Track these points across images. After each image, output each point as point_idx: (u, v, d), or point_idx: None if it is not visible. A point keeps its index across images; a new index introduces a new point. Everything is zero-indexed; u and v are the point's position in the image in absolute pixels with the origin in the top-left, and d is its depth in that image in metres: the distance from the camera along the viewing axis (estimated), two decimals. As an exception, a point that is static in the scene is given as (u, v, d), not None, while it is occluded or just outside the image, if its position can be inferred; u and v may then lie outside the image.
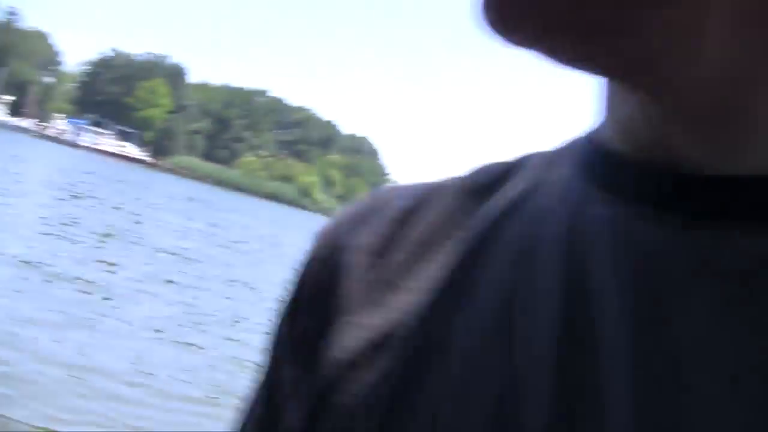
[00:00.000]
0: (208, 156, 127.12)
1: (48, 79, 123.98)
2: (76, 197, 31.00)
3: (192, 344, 11.63)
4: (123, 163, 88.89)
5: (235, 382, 10.17)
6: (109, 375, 9.05)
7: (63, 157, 68.32)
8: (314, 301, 0.66)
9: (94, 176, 49.55)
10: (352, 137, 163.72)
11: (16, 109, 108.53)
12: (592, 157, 0.53)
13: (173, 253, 21.40)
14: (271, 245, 36.82)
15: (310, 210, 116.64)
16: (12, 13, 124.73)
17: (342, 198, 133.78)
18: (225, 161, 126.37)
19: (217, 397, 9.47)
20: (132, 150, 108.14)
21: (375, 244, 0.64)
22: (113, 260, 17.30)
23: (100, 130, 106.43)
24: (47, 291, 12.50)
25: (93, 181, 44.03)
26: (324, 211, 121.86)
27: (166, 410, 8.61)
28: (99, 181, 45.67)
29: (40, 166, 48.57)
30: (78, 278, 14.04)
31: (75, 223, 22.19)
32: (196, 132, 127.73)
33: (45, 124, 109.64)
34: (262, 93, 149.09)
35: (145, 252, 20.04)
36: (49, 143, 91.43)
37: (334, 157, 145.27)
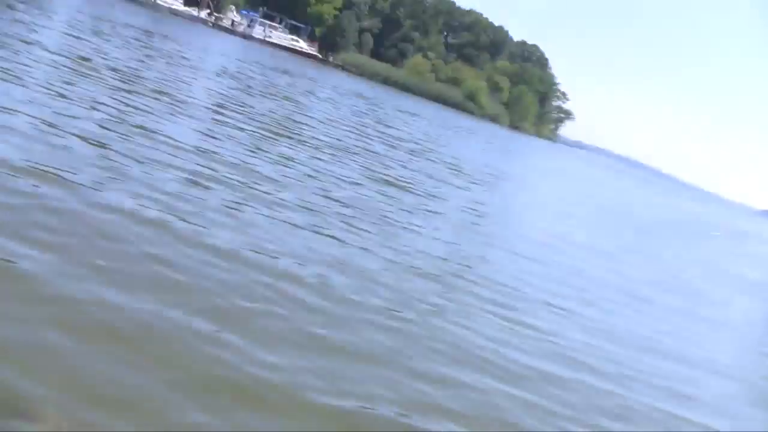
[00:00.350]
0: (376, 54, 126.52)
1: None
2: (249, 88, 30.70)
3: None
4: (294, 57, 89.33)
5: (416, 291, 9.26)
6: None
7: (237, 48, 68.93)
8: None
9: (267, 68, 49.60)
10: (522, 44, 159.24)
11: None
12: None
13: (342, 149, 20.61)
14: (436, 145, 35.60)
15: (475, 115, 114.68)
16: None
17: (508, 105, 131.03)
18: (392, 61, 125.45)
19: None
20: (303, 44, 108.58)
21: None
22: (286, 154, 16.57)
23: (272, 23, 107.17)
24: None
25: (265, 73, 44.03)
26: (489, 117, 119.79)
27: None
28: (271, 73, 45.60)
29: (216, 55, 48.86)
30: (251, 169, 13.29)
31: (250, 114, 21.65)
32: (365, 30, 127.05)
33: (218, 14, 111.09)
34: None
35: (314, 146, 19.24)
36: (223, 34, 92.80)
37: (503, 63, 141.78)
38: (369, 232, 11.55)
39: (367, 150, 22.58)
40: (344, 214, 12.16)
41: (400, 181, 18.53)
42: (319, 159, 17.35)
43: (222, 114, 19.43)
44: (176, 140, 13.20)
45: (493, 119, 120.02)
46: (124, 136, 12.00)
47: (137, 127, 13.25)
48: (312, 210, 11.67)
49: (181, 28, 69.00)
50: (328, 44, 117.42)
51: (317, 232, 10.38)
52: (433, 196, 18.19)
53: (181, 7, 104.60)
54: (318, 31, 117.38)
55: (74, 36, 26.18)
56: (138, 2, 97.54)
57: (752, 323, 18.50)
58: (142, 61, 25.68)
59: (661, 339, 11.74)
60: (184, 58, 34.27)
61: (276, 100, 28.84)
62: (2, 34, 19.23)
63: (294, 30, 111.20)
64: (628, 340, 10.82)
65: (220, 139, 15.20)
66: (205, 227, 8.76)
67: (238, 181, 11.82)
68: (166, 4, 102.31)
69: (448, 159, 29.48)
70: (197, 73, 29.89)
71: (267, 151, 15.87)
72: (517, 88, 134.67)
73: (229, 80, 31.24)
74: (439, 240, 13.25)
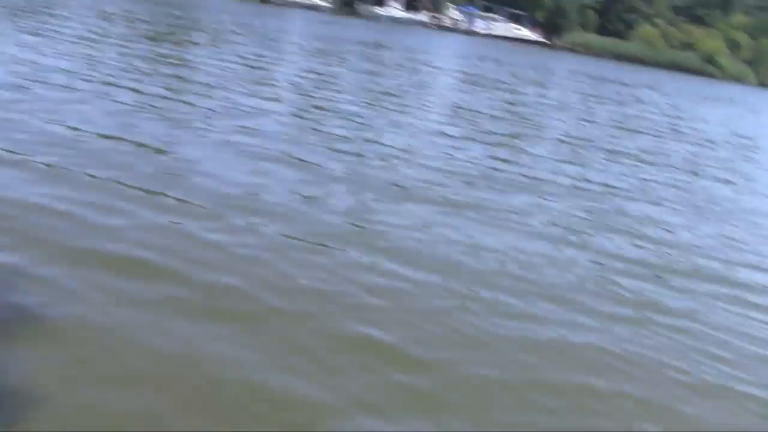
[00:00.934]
0: (602, 30, 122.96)
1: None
2: (473, 84, 30.75)
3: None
4: (518, 46, 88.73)
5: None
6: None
7: (460, 45, 69.44)
8: None
9: (491, 61, 49.57)
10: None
11: (410, 3, 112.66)
12: None
13: (584, 139, 19.77)
14: (678, 120, 33.80)
15: (716, 78, 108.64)
16: None
17: (751, 63, 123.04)
18: (620, 34, 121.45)
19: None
20: (525, 32, 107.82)
21: None
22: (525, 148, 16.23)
23: (491, 15, 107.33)
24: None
25: (489, 66, 43.99)
26: (732, 78, 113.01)
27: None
28: (495, 66, 45.47)
29: (437, 54, 49.49)
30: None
31: (475, 111, 21.60)
32: (587, 7, 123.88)
33: (438, 14, 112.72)
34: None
35: (551, 141, 18.49)
36: (446, 33, 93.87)
37: (738, 18, 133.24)
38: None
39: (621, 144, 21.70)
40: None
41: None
42: (570, 161, 16.78)
43: (459, 113, 19.53)
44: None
45: (738, 79, 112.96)
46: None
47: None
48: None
49: (404, 33, 70.42)
50: (552, 28, 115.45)
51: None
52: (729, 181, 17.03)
53: (401, 14, 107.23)
54: (539, 15, 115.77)
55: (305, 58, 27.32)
56: (358, 15, 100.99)
57: None
58: (377, 74, 26.42)
59: None
60: (410, 62, 34.96)
61: (501, 91, 28.62)
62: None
63: (515, 18, 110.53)
64: None
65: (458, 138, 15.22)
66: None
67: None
68: (386, 13, 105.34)
69: (717, 135, 27.75)
70: (430, 75, 30.41)
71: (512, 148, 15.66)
72: (759, 43, 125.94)
73: (456, 77, 31.53)
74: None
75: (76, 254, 6.39)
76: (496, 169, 12.95)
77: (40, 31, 22.95)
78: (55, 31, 23.74)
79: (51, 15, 31.02)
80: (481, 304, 6.78)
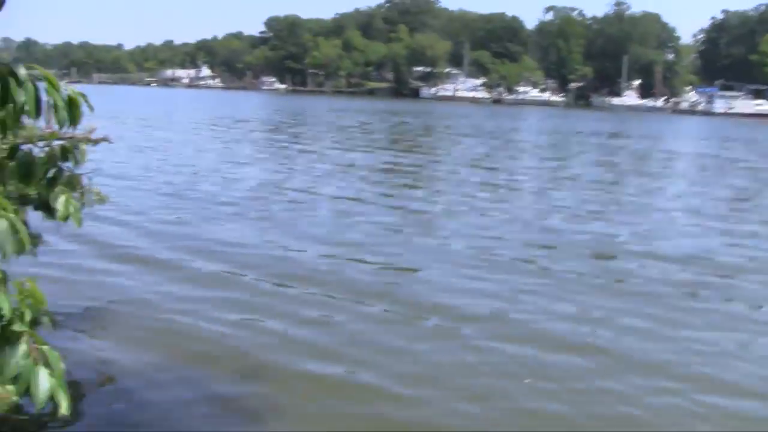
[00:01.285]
0: None
1: (668, 56, 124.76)
2: (716, 167, 29.23)
3: None
4: (764, 122, 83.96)
5: None
6: None
7: (698, 127, 66.92)
8: None
9: (734, 141, 47.04)
10: None
11: (644, 91, 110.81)
12: None
13: None
14: None
15: None
16: (619, 3, 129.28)
17: None
18: None
19: None
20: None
21: None
22: None
23: (731, 93, 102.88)
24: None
25: (732, 146, 41.63)
26: None
27: None
28: (739, 146, 43.02)
29: (676, 139, 47.87)
30: None
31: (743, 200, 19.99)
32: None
33: (675, 99, 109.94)
34: None
35: None
36: (683, 116, 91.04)
37: None
38: None
39: None
40: None
41: None
42: None
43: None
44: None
45: None
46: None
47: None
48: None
49: (640, 120, 68.99)
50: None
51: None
52: None
53: (637, 101, 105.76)
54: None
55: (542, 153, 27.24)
56: (592, 107, 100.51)
57: None
58: (613, 165, 25.92)
59: None
60: (648, 149, 34.05)
61: (749, 170, 26.82)
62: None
63: (757, 94, 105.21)
64: None
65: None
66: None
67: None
68: (620, 103, 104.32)
69: None
70: (669, 161, 29.41)
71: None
72: None
73: (696, 162, 30.24)
74: None
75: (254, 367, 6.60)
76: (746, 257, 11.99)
77: (280, 152, 24.60)
78: (291, 149, 25.36)
79: (293, 135, 33.16)
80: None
